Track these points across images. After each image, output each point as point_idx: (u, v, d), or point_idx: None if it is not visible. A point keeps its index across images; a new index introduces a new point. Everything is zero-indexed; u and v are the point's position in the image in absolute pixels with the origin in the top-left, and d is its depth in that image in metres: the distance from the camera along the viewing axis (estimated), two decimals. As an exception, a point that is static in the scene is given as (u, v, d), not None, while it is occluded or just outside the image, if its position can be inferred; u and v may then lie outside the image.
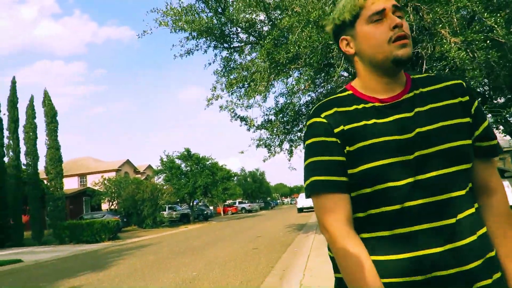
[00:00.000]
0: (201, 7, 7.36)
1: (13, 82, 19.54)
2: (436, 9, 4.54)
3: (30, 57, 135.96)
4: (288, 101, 7.77)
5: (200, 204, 35.01)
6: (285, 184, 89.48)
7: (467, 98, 0.97)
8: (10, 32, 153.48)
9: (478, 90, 8.28)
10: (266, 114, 8.86)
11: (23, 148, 19.21)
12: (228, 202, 43.40)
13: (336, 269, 1.00)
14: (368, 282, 0.86)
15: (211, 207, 39.70)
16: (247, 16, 7.24)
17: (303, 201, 29.00)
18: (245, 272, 6.80)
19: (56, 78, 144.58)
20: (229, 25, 7.62)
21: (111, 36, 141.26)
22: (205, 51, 8.08)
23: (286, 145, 9.43)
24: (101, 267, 8.96)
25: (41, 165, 20.08)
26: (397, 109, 0.95)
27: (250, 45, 8.27)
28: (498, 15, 4.49)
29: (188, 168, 29.11)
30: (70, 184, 35.35)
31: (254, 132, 8.95)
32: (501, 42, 4.52)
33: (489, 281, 0.86)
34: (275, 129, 8.44)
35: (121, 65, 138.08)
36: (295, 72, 7.13)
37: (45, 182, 20.18)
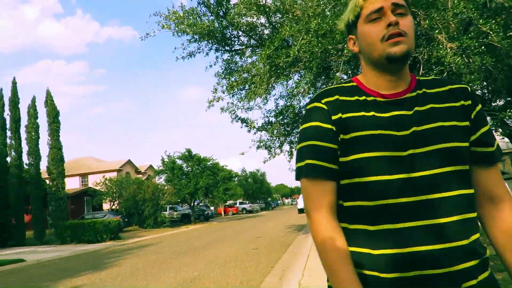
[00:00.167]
0: (203, 10, 7.47)
1: (14, 83, 19.72)
2: (433, 15, 4.64)
3: (32, 56, 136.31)
4: (288, 103, 7.84)
5: (201, 204, 35.04)
6: (286, 185, 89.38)
7: (469, 102, 0.98)
8: (12, 32, 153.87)
9: (477, 93, 8.34)
10: (267, 116, 8.95)
11: (25, 148, 19.36)
12: (229, 202, 43.40)
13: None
14: (342, 276, 0.88)
15: (212, 208, 39.72)
16: (248, 19, 7.33)
17: (303, 202, 29.01)
18: (245, 272, 6.88)
19: (57, 77, 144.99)
20: (230, 29, 7.71)
21: (112, 36, 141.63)
22: (207, 54, 8.18)
23: (286, 147, 9.52)
24: (103, 267, 9.03)
25: (43, 165, 20.22)
26: (397, 106, 0.96)
27: (251, 48, 8.35)
28: (494, 21, 4.58)
29: (189, 168, 29.17)
30: (72, 184, 35.41)
31: (255, 133, 9.04)
32: (496, 47, 4.61)
33: (477, 280, 0.87)
34: (275, 131, 8.52)
35: (121, 65, 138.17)
36: (295, 75, 7.21)
37: (47, 182, 20.31)
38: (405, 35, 0.93)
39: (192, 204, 29.57)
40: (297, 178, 1.02)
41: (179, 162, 28.98)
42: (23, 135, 19.42)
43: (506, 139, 9.67)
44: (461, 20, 4.74)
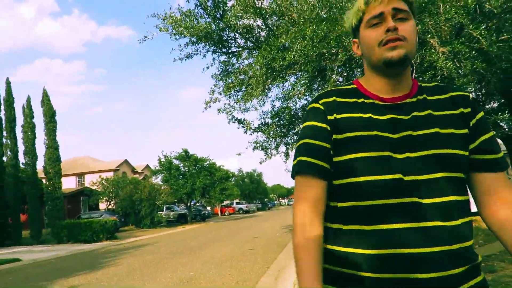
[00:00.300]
0: (200, 12, 7.52)
1: (7, 83, 19.74)
2: (426, 19, 4.72)
3: (29, 55, 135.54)
4: (284, 105, 7.89)
5: (197, 204, 35.06)
6: (282, 185, 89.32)
7: (468, 110, 0.98)
8: (10, 31, 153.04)
9: (471, 96, 8.42)
10: (263, 117, 9.01)
11: (21, 147, 19.37)
12: (226, 202, 43.45)
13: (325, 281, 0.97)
14: (304, 275, 0.91)
15: (209, 208, 39.73)
16: (244, 22, 7.39)
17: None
18: (241, 272, 6.94)
19: (55, 77, 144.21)
20: (227, 31, 7.76)
21: (110, 36, 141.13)
22: (204, 56, 8.23)
23: (282, 148, 9.56)
24: (99, 267, 9.07)
25: (40, 164, 20.21)
26: (395, 110, 0.97)
27: (247, 50, 8.41)
28: (486, 26, 4.66)
29: (186, 168, 29.19)
30: (68, 184, 35.36)
31: (251, 134, 9.09)
32: (487, 51, 4.69)
33: (468, 286, 0.87)
34: (272, 132, 8.58)
35: (120, 64, 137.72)
36: (291, 77, 7.28)
37: (44, 181, 20.29)
38: (404, 39, 0.93)
39: (188, 204, 29.60)
40: (293, 176, 1.05)
41: (176, 162, 29.01)
42: (19, 134, 19.44)
43: (500, 141, 9.80)
44: (453, 24, 4.82)
